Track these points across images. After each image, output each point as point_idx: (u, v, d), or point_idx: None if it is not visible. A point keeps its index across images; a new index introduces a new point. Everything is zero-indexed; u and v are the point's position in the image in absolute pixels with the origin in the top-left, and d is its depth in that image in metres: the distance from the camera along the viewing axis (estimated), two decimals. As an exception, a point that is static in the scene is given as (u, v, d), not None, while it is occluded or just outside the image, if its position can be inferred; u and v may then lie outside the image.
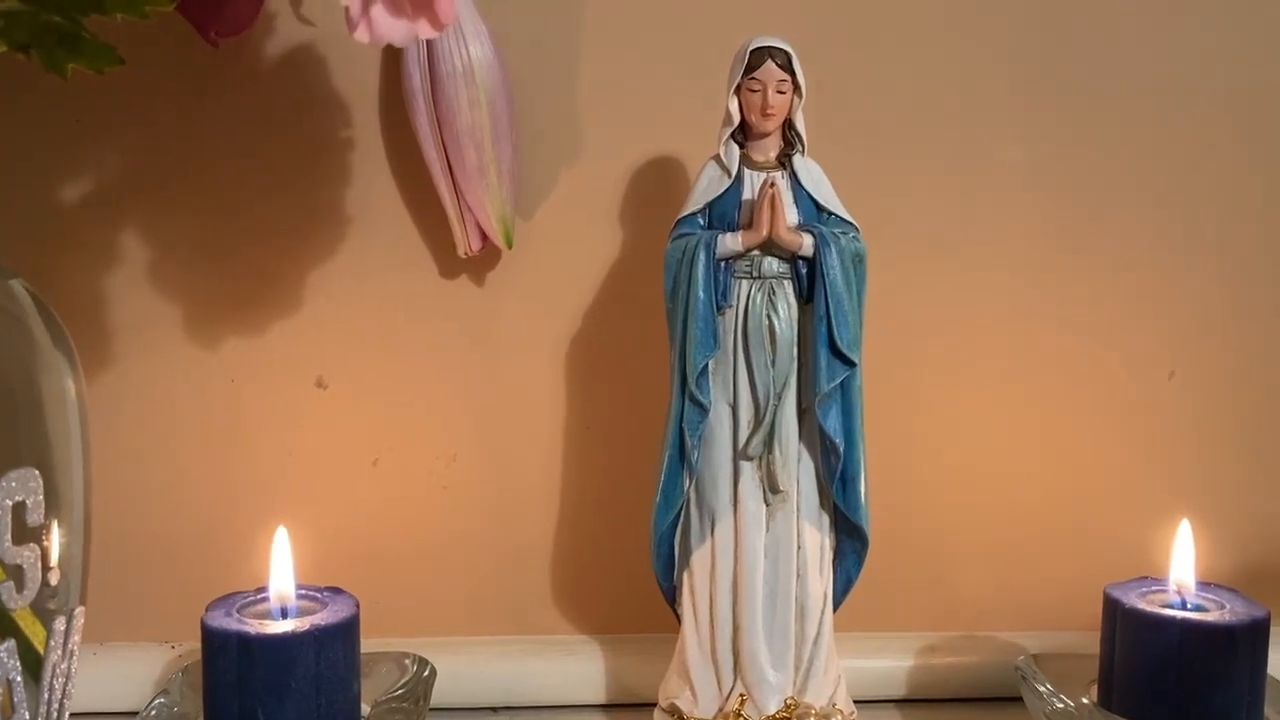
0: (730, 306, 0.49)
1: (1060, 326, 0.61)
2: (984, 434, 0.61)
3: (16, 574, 0.36)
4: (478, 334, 0.59)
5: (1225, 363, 0.61)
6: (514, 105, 0.55)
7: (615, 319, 0.59)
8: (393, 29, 0.40)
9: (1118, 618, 0.50)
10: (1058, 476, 0.61)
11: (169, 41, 0.54)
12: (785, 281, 0.49)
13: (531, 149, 0.57)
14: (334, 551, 0.55)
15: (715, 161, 0.49)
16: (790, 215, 0.48)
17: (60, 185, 0.56)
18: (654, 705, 0.52)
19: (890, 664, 0.59)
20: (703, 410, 0.49)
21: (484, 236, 0.56)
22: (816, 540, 0.50)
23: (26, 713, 0.37)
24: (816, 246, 0.48)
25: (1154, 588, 0.52)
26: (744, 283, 0.49)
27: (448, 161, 0.55)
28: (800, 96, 0.48)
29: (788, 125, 0.49)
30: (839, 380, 0.48)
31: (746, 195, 0.49)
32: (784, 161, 0.49)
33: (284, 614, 0.48)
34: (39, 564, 0.37)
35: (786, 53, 0.48)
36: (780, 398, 0.49)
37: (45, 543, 0.37)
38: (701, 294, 0.48)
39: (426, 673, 0.52)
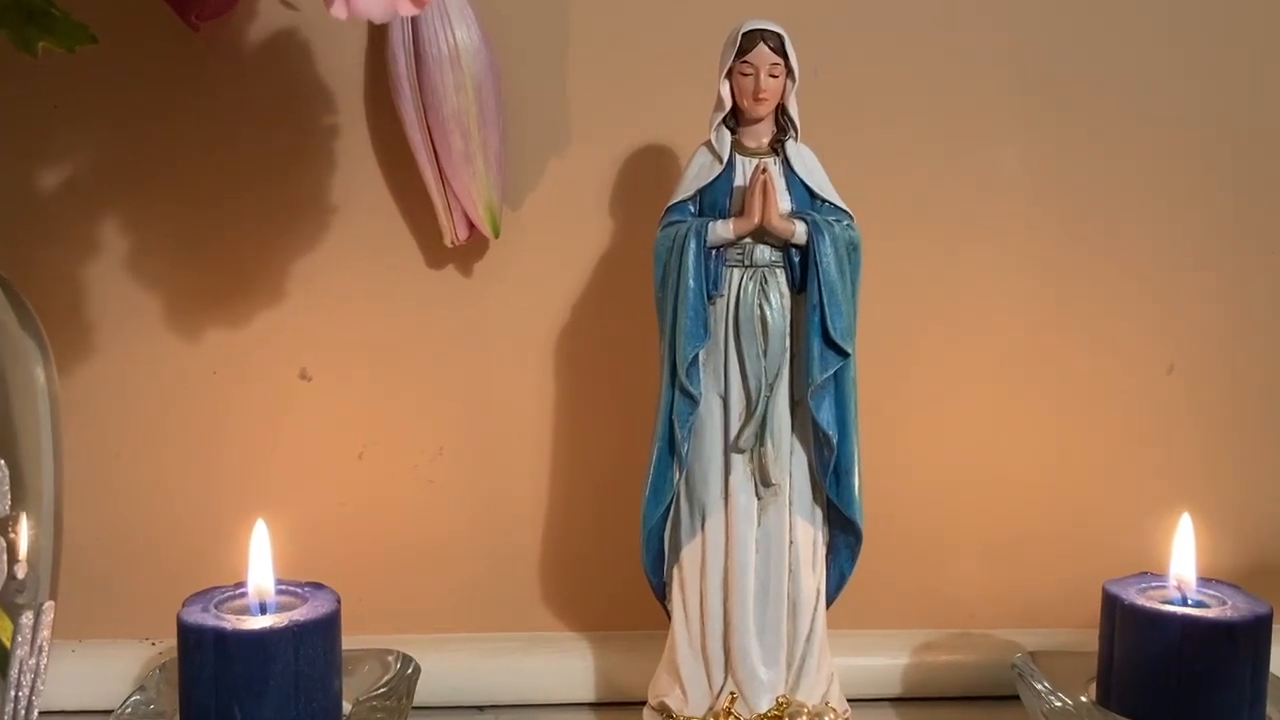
0: (721, 295, 0.48)
1: (1059, 319, 0.60)
2: (981, 427, 0.60)
3: (-20, 567, 0.36)
4: (464, 325, 0.58)
5: (1225, 356, 0.61)
6: (501, 91, 0.54)
7: (605, 309, 0.58)
8: (371, 5, 0.40)
9: (1117, 614, 0.49)
10: (1056, 470, 0.61)
11: (148, 25, 0.54)
12: (777, 270, 0.48)
13: (520, 136, 0.57)
14: (318, 546, 0.54)
15: (706, 147, 0.49)
16: (783, 202, 0.48)
17: (37, 173, 0.56)
18: (643, 703, 0.51)
19: (885, 662, 0.58)
20: (693, 401, 0.48)
21: (471, 225, 0.56)
22: (809, 535, 0.49)
23: (-8, 709, 0.36)
24: (809, 234, 0.47)
25: (1154, 584, 0.51)
26: (735, 271, 0.48)
27: (434, 148, 0.54)
28: (793, 80, 0.48)
29: (780, 110, 0.48)
30: (832, 371, 0.48)
31: (738, 182, 0.48)
32: (776, 147, 0.48)
33: (263, 609, 0.47)
34: (4, 557, 0.36)
35: (780, 35, 0.47)
36: (772, 389, 0.48)
37: (12, 534, 0.37)
38: (692, 282, 0.47)
39: (410, 670, 0.51)
